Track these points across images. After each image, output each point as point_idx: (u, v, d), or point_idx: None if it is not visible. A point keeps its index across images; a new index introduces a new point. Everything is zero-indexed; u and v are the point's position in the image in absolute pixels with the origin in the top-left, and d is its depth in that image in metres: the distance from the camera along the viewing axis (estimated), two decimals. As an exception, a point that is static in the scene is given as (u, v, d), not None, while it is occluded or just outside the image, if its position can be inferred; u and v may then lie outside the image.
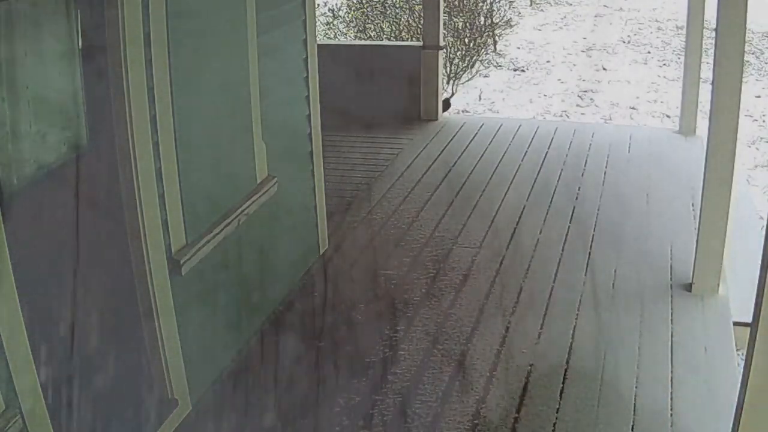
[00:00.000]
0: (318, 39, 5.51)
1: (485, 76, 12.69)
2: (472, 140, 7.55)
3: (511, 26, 13.58)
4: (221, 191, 4.07)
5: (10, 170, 2.88)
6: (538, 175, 6.65)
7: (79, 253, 3.20)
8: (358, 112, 7.81)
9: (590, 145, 7.34)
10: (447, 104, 8.80)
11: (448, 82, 11.15)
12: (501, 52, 13.71)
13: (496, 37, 13.30)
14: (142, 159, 3.34)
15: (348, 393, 3.89)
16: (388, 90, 8.13)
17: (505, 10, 13.19)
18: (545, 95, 12.04)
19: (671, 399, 3.78)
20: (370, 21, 12.15)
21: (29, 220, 2.95)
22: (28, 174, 2.99)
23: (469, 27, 11.78)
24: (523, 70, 13.14)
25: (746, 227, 6.14)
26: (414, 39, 11.24)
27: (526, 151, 7.22)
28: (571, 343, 4.25)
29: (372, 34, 12.05)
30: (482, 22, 12.18)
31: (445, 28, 9.76)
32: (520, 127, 7.96)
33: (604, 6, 16.74)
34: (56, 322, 3.05)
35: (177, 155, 3.55)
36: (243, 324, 4.32)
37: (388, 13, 12.02)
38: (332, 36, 12.59)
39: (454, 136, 7.70)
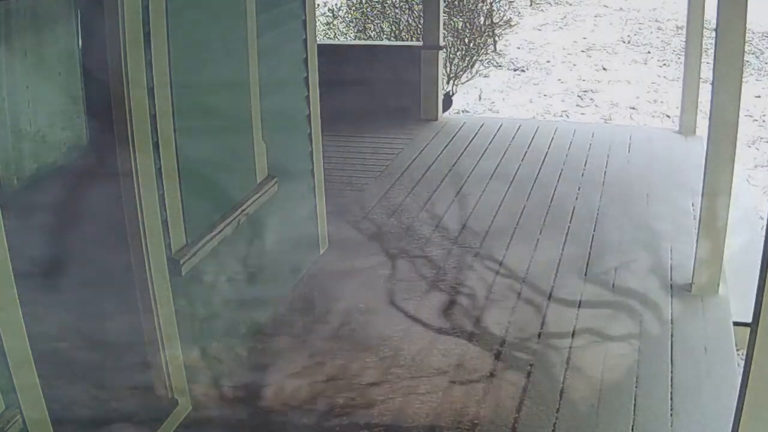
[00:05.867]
0: (318, 39, 5.50)
1: (485, 76, 12.69)
2: (472, 140, 7.55)
3: (511, 26, 13.56)
4: (221, 191, 4.07)
5: (10, 170, 2.89)
6: (538, 175, 6.65)
7: (79, 254, 3.20)
8: (358, 112, 7.81)
9: (590, 145, 7.34)
10: (449, 100, 8.78)
11: (448, 82, 11.14)
12: (501, 52, 13.70)
13: (496, 37, 13.30)
14: (142, 159, 3.33)
15: (348, 393, 3.89)
16: (388, 90, 8.13)
17: (504, 10, 13.18)
18: (545, 95, 12.04)
19: (671, 399, 3.78)
20: (370, 21, 12.14)
21: (29, 220, 2.95)
22: (28, 174, 3.00)
23: (469, 27, 11.77)
24: (523, 70, 13.14)
25: (746, 227, 6.14)
26: (414, 39, 11.23)
27: (526, 151, 7.22)
28: (571, 343, 4.25)
29: (372, 34, 12.04)
30: (482, 22, 12.17)
31: (445, 28, 9.76)
32: (520, 127, 7.96)
33: (604, 6, 16.73)
34: (56, 322, 3.05)
35: (177, 155, 3.55)
36: (243, 324, 4.32)
37: (388, 13, 12.00)
38: (332, 36, 12.58)
39: (454, 136, 7.70)
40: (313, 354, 4.22)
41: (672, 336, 4.30)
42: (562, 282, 4.91)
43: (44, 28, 3.01)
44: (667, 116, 10.98)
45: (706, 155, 4.44)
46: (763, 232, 5.59)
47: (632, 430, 3.60)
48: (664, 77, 12.64)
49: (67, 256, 3.14)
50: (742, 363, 2.61)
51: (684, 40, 7.69)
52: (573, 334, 4.33)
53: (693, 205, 5.88)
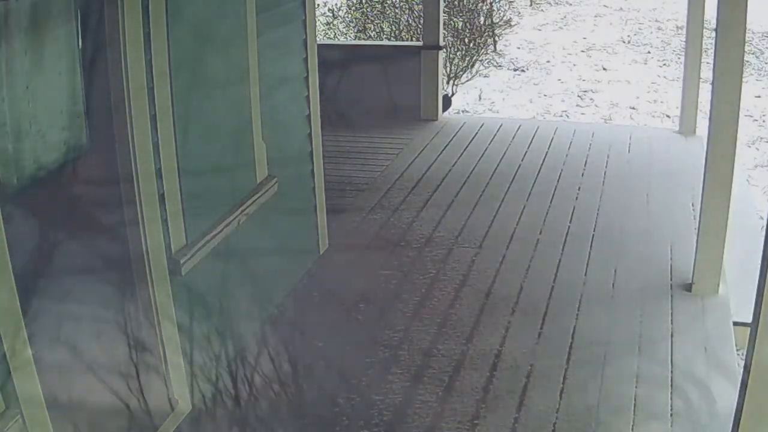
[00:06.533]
0: (318, 39, 5.51)
1: (485, 76, 12.69)
2: (472, 140, 7.55)
3: (511, 26, 13.57)
4: (221, 191, 4.07)
5: (10, 170, 2.88)
6: (538, 175, 6.65)
7: (79, 254, 3.20)
8: (358, 112, 7.81)
9: (590, 145, 7.35)
10: (448, 101, 8.78)
11: (448, 82, 11.15)
12: (501, 52, 13.71)
13: (496, 37, 13.30)
14: (142, 159, 3.34)
15: (348, 394, 3.89)
16: (388, 90, 8.13)
17: (504, 10, 13.18)
18: (545, 95, 12.04)
19: (671, 399, 3.78)
20: (370, 21, 12.14)
21: (29, 220, 2.95)
22: (28, 174, 2.99)
23: (469, 27, 11.78)
24: (523, 70, 13.14)
25: (746, 227, 6.14)
26: (414, 39, 11.23)
27: (526, 151, 7.22)
28: (571, 343, 4.25)
29: (372, 34, 12.04)
30: (482, 22, 12.18)
31: (445, 28, 9.76)
32: (520, 127, 7.96)
33: (604, 6, 16.73)
34: (56, 321, 3.05)
35: (177, 155, 3.55)
36: (243, 324, 4.32)
37: (388, 13, 12.01)
38: (332, 36, 12.58)
39: (454, 136, 7.70)
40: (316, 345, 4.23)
41: (672, 336, 4.30)
42: (560, 281, 4.91)
43: (44, 28, 3.01)
44: (667, 116, 10.99)
45: (706, 155, 4.45)
46: (763, 232, 5.59)
47: (632, 430, 3.60)
48: (664, 77, 12.65)
49: (67, 256, 3.13)
50: (742, 363, 2.61)
51: (684, 40, 7.70)
52: (573, 331, 4.34)
53: (693, 204, 5.88)
